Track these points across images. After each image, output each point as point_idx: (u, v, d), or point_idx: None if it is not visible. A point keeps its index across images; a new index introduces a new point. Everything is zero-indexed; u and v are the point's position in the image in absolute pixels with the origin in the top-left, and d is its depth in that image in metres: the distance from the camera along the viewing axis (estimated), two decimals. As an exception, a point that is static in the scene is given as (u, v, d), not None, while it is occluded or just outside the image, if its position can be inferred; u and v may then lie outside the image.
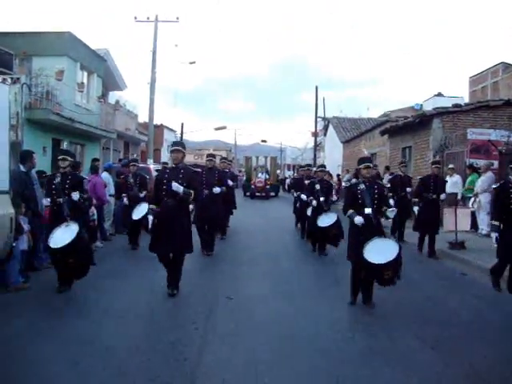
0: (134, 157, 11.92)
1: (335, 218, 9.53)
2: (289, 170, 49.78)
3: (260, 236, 12.88)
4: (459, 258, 9.52)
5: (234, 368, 4.30)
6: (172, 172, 6.69)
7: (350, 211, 6.19)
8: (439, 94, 34.31)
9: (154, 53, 23.16)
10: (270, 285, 7.46)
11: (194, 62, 25.99)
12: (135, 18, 22.89)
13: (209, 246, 9.74)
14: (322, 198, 10.00)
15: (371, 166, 6.37)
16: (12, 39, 16.62)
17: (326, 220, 9.57)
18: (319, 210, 9.91)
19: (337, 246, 9.61)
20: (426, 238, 10.23)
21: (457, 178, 13.22)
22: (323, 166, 11.35)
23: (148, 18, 23.00)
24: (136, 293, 6.75)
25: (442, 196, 10.25)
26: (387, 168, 18.01)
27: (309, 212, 10.67)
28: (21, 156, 7.64)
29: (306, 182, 11.55)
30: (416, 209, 10.39)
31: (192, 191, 6.55)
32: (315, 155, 37.16)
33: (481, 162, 13.32)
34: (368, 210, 6.08)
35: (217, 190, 9.81)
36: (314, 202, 10.08)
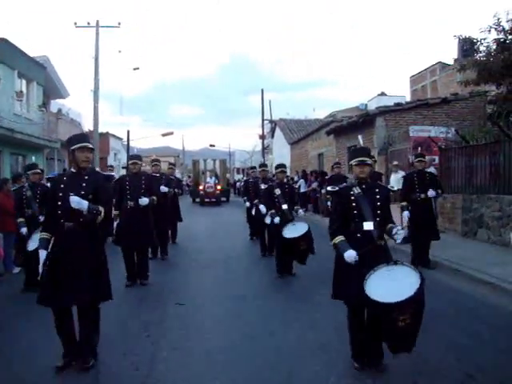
0: (33, 160, 9.23)
1: (305, 228, 7.65)
2: (238, 173, 49.86)
3: (211, 242, 12.76)
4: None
5: (186, 373, 4.27)
6: (71, 179, 4.56)
7: (339, 239, 4.27)
8: (382, 94, 35.25)
9: (97, 59, 22.72)
10: (221, 289, 7.46)
11: (137, 68, 25.77)
12: (75, 23, 22.36)
13: (142, 273, 7.73)
14: (284, 206, 8.10)
15: (368, 161, 4.42)
16: None
17: (293, 230, 7.66)
18: (284, 220, 7.97)
19: (305, 264, 7.85)
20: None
21: (401, 174, 13.58)
22: (282, 165, 8.77)
23: (88, 24, 22.54)
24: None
25: (430, 193, 8.47)
26: (333, 168, 18.31)
27: (267, 220, 8.70)
28: None
29: (262, 186, 9.76)
30: (406, 214, 8.38)
31: (101, 208, 4.44)
32: (264, 158, 37.36)
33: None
34: (368, 225, 4.25)
35: (144, 200, 7.59)
36: (277, 220, 8.03)
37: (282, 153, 33.71)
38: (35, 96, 20.14)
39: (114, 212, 7.73)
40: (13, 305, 6.58)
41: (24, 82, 19.27)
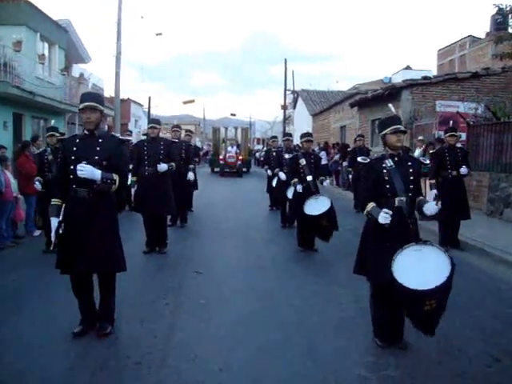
0: (53, 124, 8.89)
1: (328, 205, 7.29)
2: (258, 143, 49.52)
3: (230, 211, 12.66)
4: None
5: (205, 343, 4.21)
6: (84, 142, 4.24)
7: (371, 206, 4.02)
8: (408, 68, 34.54)
9: (119, 23, 22.36)
10: (240, 259, 7.37)
11: (160, 34, 25.33)
12: (98, -14, 22.03)
13: (160, 241, 7.68)
14: (309, 178, 7.64)
15: (403, 129, 4.12)
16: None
17: (315, 206, 7.28)
18: (306, 193, 7.58)
19: (328, 241, 7.47)
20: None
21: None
22: (309, 134, 8.24)
23: (111, -13, 22.16)
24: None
25: (463, 170, 7.87)
26: (355, 140, 18.01)
27: (289, 194, 8.38)
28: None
29: (287, 156, 9.23)
30: (434, 193, 7.47)
31: (115, 177, 4.21)
32: (285, 128, 37.01)
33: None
34: (400, 201, 3.99)
35: (162, 167, 7.39)
36: (299, 187, 7.66)
37: (303, 124, 33.28)
38: (57, 60, 19.96)
39: (131, 178, 7.64)
40: (34, 267, 6.57)
41: (46, 45, 19.09)
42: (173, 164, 7.60)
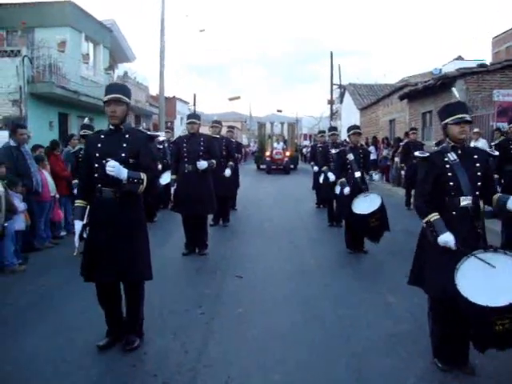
0: (87, 121, 8.74)
1: (379, 202, 6.75)
2: (305, 139, 48.81)
3: (275, 210, 12.17)
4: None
5: (240, 362, 3.76)
6: (109, 138, 3.91)
7: (434, 217, 3.43)
8: (459, 58, 33.02)
9: (163, 21, 22.34)
10: (284, 262, 6.89)
11: (203, 30, 25.23)
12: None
13: (200, 242, 7.27)
14: (357, 174, 7.14)
15: (468, 119, 3.57)
16: (12, 11, 16.06)
17: (364, 204, 6.75)
18: (355, 190, 7.05)
19: (378, 242, 6.90)
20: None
21: (482, 142, 12.34)
22: (356, 126, 7.71)
23: (155, -15, 22.16)
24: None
25: None
26: (407, 134, 17.20)
27: (337, 190, 7.72)
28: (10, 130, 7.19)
29: (333, 151, 8.62)
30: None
31: (143, 176, 3.78)
32: (331, 123, 36.24)
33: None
34: (466, 201, 3.45)
35: (202, 164, 7.01)
36: (347, 190, 7.07)
37: (350, 118, 32.39)
38: (102, 59, 20.07)
39: (171, 176, 7.50)
40: (66, 269, 6.29)
41: (91, 45, 19.21)
42: (213, 161, 7.20)
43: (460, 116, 3.51)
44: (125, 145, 3.83)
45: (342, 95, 37.86)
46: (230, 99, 41.67)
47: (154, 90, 28.32)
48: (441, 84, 15.93)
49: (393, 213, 7.12)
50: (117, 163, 3.67)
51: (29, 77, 14.41)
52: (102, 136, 3.94)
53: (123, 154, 3.78)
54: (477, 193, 3.48)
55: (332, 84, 36.88)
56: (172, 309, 4.89)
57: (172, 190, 7.42)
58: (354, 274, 6.22)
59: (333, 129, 10.83)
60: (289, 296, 5.38)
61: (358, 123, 29.78)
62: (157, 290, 5.11)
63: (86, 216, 3.92)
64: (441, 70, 32.21)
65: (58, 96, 15.37)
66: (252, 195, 14.27)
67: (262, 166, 27.17)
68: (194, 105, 38.20)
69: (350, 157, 7.22)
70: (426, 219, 3.48)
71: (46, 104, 15.38)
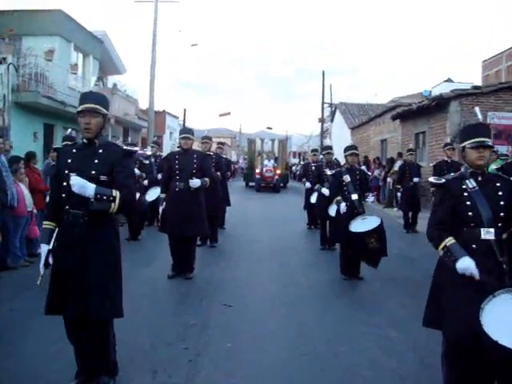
0: (69, 133, 7.94)
1: (378, 222, 6.46)
2: (294, 157, 48.66)
3: (265, 230, 11.75)
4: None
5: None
6: (80, 153, 3.47)
7: (450, 241, 3.08)
8: (448, 80, 33.18)
9: (155, 35, 22.18)
10: (276, 288, 6.49)
11: (195, 44, 25.01)
12: (134, -3, 21.81)
13: (187, 265, 6.80)
14: (354, 196, 6.77)
15: (489, 143, 3.19)
16: (0, 18, 15.65)
17: (362, 225, 6.45)
18: (351, 213, 6.73)
19: (376, 267, 6.59)
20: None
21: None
22: (354, 147, 7.33)
23: (148, -2, 21.90)
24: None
25: None
26: (400, 155, 16.97)
27: (332, 211, 7.49)
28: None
29: (328, 172, 8.13)
30: None
31: (115, 193, 3.31)
32: (322, 142, 36.08)
33: (503, 149, 12.23)
34: (488, 233, 3.07)
35: (195, 182, 6.64)
36: (343, 207, 6.78)
37: (341, 137, 32.25)
38: (91, 70, 19.71)
39: (161, 195, 7.15)
40: (40, 294, 5.82)
41: (80, 55, 18.86)
42: (206, 179, 6.82)
43: (478, 140, 3.15)
44: (96, 161, 3.37)
45: (332, 114, 37.80)
46: (221, 115, 41.41)
47: (143, 104, 28.00)
48: (436, 104, 15.78)
49: (387, 235, 6.72)
50: (80, 179, 3.23)
51: (13, 85, 13.98)
52: (74, 150, 3.51)
53: (93, 172, 3.33)
54: (500, 224, 3.09)
55: (323, 102, 36.83)
56: (153, 342, 4.42)
57: (160, 209, 7.01)
58: (350, 304, 5.80)
59: (328, 148, 10.52)
60: (281, 328, 4.95)
61: (348, 142, 29.67)
62: (137, 319, 4.68)
63: (52, 240, 3.45)
64: (430, 91, 32.39)
65: (44, 106, 14.93)
66: (241, 214, 13.84)
67: (251, 184, 26.57)
68: (184, 119, 37.84)
69: (347, 178, 6.88)
70: (442, 245, 3.10)
71: (30, 114, 14.92)
